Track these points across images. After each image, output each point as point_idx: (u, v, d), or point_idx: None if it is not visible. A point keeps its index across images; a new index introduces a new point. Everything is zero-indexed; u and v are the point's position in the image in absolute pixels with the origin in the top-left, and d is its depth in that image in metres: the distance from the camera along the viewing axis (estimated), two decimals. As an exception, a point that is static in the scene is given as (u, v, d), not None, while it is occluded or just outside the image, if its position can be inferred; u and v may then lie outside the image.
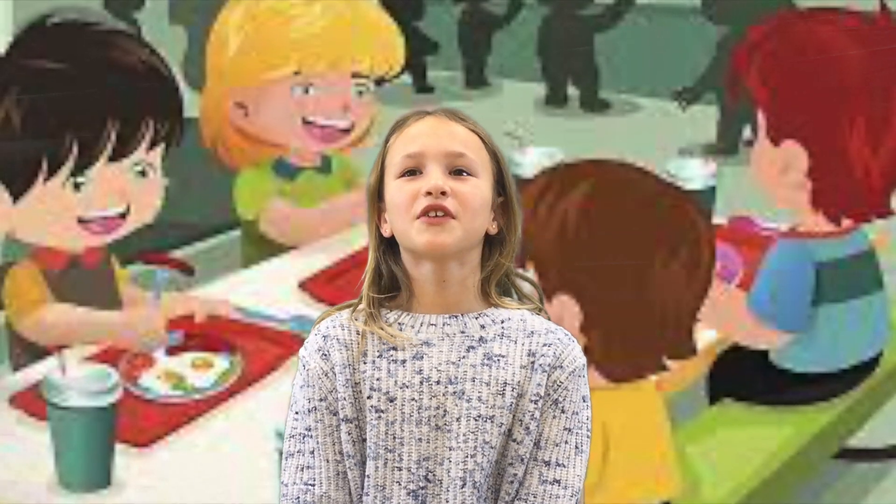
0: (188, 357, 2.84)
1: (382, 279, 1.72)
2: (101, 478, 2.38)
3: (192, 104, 3.50)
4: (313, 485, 1.69)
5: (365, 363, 1.69)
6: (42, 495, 2.37)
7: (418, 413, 1.67)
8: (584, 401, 1.72)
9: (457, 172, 1.68)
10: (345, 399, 1.68)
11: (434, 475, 1.67)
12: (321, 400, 1.70)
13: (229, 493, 2.37)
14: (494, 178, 1.72)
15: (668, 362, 2.48)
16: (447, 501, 1.67)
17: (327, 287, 3.24)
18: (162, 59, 2.97)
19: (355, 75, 3.72)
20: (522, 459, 1.69)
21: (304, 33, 3.63)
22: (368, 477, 1.68)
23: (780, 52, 3.08)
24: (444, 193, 1.65)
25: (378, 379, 1.68)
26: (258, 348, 2.88)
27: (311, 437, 1.70)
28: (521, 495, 1.69)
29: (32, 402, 2.59)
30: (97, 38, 2.93)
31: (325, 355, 1.71)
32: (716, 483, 2.78)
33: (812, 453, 3.04)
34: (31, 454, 2.46)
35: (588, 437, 1.72)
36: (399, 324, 1.70)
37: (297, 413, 1.72)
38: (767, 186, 3.15)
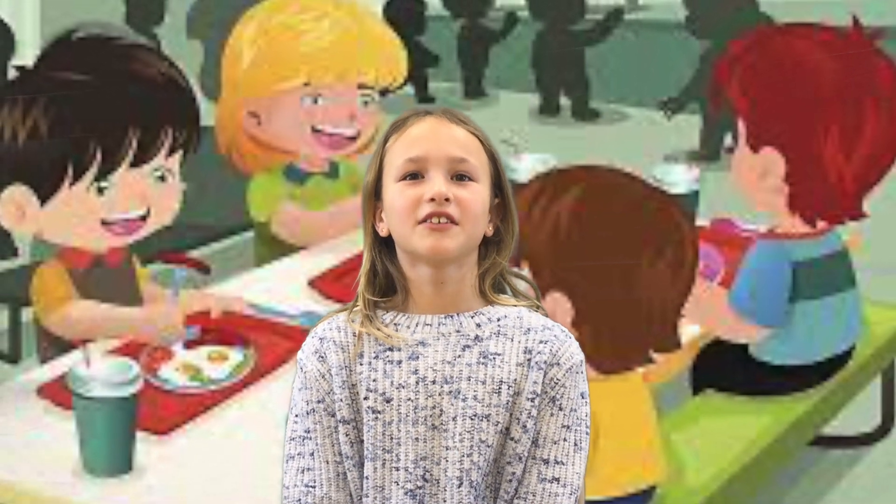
0: (204, 350, 2.84)
1: (378, 278, 1.66)
2: (123, 464, 2.38)
3: (208, 113, 3.50)
4: (314, 486, 1.63)
5: (361, 364, 1.63)
6: (67, 480, 2.36)
7: (415, 413, 1.60)
8: (582, 398, 1.65)
9: (458, 177, 1.61)
10: (342, 400, 1.62)
11: (431, 475, 1.60)
12: (319, 402, 1.64)
13: (243, 477, 2.37)
14: (492, 181, 1.66)
15: (655, 355, 2.48)
16: (445, 501, 1.60)
17: (335, 285, 3.24)
18: (180, 71, 2.97)
19: (361, 86, 3.72)
20: (521, 458, 1.62)
21: (313, 47, 3.64)
22: (367, 478, 1.62)
23: (759, 65, 3.08)
24: (447, 200, 1.59)
25: (374, 380, 1.61)
26: (270, 342, 2.88)
27: (311, 439, 1.64)
28: (520, 494, 1.62)
29: (59, 392, 2.59)
30: (119, 51, 2.93)
31: (322, 357, 1.65)
32: (699, 468, 2.77)
33: (789, 440, 3.04)
34: (58, 441, 2.46)
35: (587, 434, 1.65)
36: (395, 324, 1.63)
37: (296, 416, 1.66)
38: (747, 190, 3.15)
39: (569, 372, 1.64)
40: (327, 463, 1.63)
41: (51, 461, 2.42)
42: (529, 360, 1.62)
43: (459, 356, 1.62)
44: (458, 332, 1.63)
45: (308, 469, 1.64)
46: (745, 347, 3.15)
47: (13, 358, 4.31)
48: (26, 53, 5.29)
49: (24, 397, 2.66)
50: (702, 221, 3.57)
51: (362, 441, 1.62)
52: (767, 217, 3.24)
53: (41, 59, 2.89)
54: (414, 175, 1.62)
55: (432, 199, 1.59)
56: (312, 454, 1.64)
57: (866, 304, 3.32)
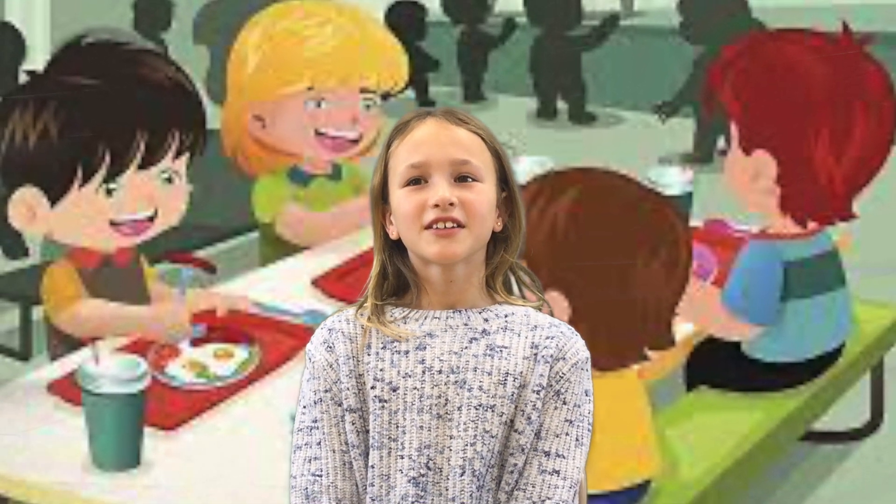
0: (210, 348, 2.83)
1: (387, 281, 1.64)
2: (132, 458, 2.38)
3: (214, 117, 3.50)
4: (320, 475, 1.61)
5: (369, 355, 1.61)
6: (77, 474, 2.36)
7: (420, 401, 1.59)
8: (586, 394, 1.64)
9: (462, 179, 1.59)
10: (348, 389, 1.61)
11: (434, 463, 1.59)
12: (326, 391, 1.62)
13: (248, 471, 2.37)
14: (497, 176, 1.63)
15: (649, 353, 2.48)
16: (447, 489, 1.58)
17: (338, 284, 3.24)
18: (187, 76, 2.97)
19: (363, 90, 3.72)
20: (523, 449, 1.60)
21: (316, 52, 3.64)
22: (372, 467, 1.60)
23: (751, 70, 3.08)
24: (451, 204, 1.57)
25: (381, 369, 1.60)
26: (274, 340, 2.88)
27: (318, 428, 1.62)
28: (520, 485, 1.60)
29: (68, 389, 2.59)
30: (127, 56, 2.93)
31: (330, 347, 1.63)
32: (692, 463, 2.77)
33: (780, 436, 3.04)
34: (68, 437, 2.46)
35: (589, 430, 1.63)
36: (404, 318, 1.62)
37: (304, 407, 1.65)
38: (740, 192, 3.15)
39: (574, 367, 1.62)
40: (334, 452, 1.62)
41: (61, 456, 2.42)
42: (536, 354, 1.61)
43: (466, 347, 1.60)
44: (465, 325, 1.61)
45: (315, 458, 1.62)
46: (737, 345, 3.15)
47: (24, 355, 4.31)
48: (37, 58, 5.31)
49: (35, 394, 2.66)
50: (695, 222, 3.57)
51: (368, 430, 1.61)
52: (759, 218, 3.23)
53: (51, 64, 2.89)
54: (417, 180, 1.60)
55: (437, 205, 1.57)
56: (319, 443, 1.62)
57: (856, 303, 3.32)
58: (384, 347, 1.62)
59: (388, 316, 1.63)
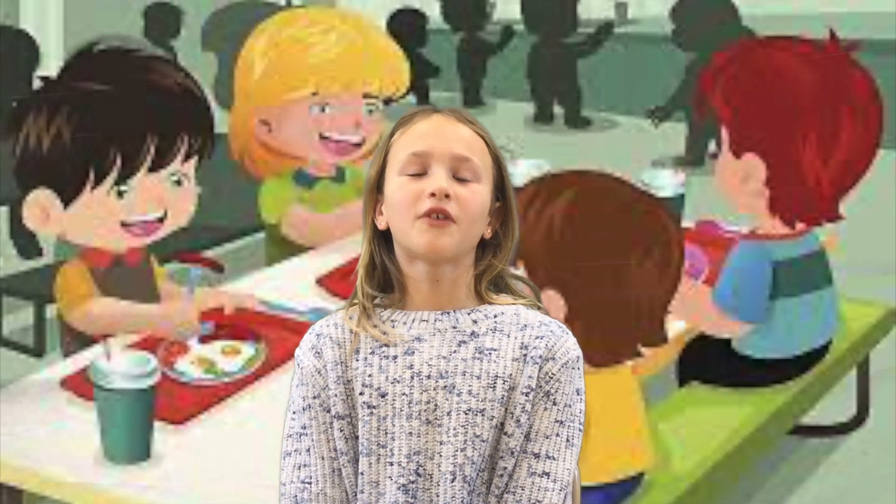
0: (218, 345, 2.83)
1: (376, 272, 1.58)
2: (142, 451, 2.38)
3: (221, 121, 3.50)
4: (310, 483, 1.55)
5: (357, 360, 1.55)
6: (89, 467, 2.36)
7: (409, 407, 1.52)
8: (577, 394, 1.57)
9: (460, 177, 1.55)
10: (336, 396, 1.55)
11: (425, 469, 1.52)
12: (315, 398, 1.56)
13: (254, 464, 2.37)
14: (494, 183, 1.58)
15: (643, 349, 2.48)
16: (437, 496, 1.52)
17: (341, 283, 3.24)
18: (195, 82, 2.96)
19: (366, 96, 3.72)
20: (513, 453, 1.53)
21: (320, 59, 3.64)
22: (362, 474, 1.54)
23: (741, 76, 3.08)
24: (447, 196, 1.52)
25: (369, 375, 1.54)
26: (280, 337, 2.87)
27: (307, 434, 1.56)
28: (510, 488, 1.53)
29: (81, 384, 2.59)
30: (138, 62, 2.93)
31: (318, 353, 1.57)
32: (684, 456, 2.77)
33: (769, 430, 3.04)
34: (80, 431, 2.46)
35: (580, 430, 1.57)
36: (392, 321, 1.56)
37: (293, 413, 1.59)
38: (730, 194, 3.15)
39: (564, 367, 1.56)
40: (323, 459, 1.56)
41: (73, 449, 2.42)
42: (525, 354, 1.55)
43: (455, 351, 1.54)
44: (454, 328, 1.56)
45: (304, 465, 1.57)
46: (728, 342, 3.15)
47: (38, 352, 4.31)
48: (50, 65, 5.30)
49: (49, 389, 2.67)
50: (687, 223, 3.57)
51: (357, 437, 1.55)
52: (749, 219, 3.24)
53: (64, 70, 2.89)
54: (417, 171, 1.55)
55: (433, 195, 1.52)
56: (308, 450, 1.57)
57: (842, 301, 3.33)
58: (372, 353, 1.56)
59: (377, 319, 1.57)
